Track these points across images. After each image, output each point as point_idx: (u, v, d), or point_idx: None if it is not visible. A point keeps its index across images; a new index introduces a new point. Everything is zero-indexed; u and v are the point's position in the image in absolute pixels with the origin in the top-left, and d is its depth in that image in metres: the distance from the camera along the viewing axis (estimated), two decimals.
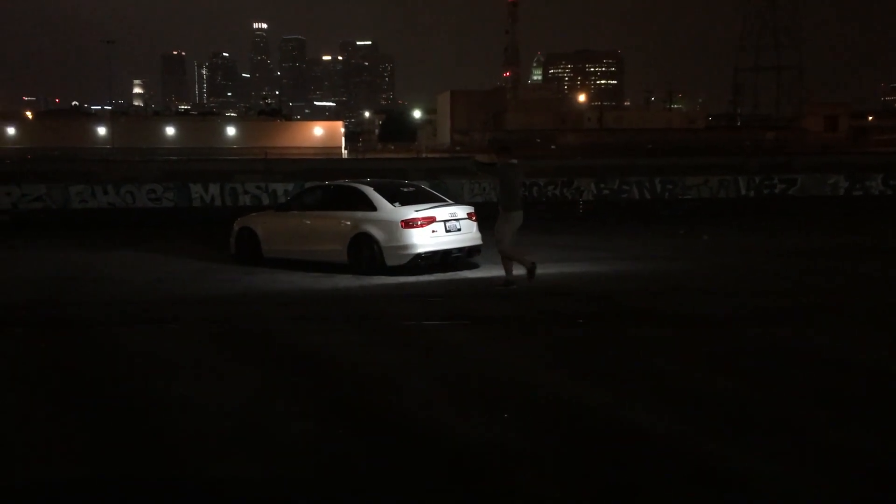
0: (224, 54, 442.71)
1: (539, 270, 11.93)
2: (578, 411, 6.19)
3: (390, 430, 5.82)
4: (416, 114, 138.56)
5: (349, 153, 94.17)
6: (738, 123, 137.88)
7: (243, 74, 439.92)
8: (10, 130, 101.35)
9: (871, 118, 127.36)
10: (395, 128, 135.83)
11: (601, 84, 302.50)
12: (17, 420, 6.22)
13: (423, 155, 77.38)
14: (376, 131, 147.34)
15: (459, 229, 13.17)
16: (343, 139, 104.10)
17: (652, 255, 15.44)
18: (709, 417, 6.02)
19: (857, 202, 26.99)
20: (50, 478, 5.08)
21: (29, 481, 5.04)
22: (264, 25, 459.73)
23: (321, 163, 48.73)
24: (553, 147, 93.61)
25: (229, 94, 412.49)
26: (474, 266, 13.73)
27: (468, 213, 13.46)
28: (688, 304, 10.40)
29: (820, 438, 5.56)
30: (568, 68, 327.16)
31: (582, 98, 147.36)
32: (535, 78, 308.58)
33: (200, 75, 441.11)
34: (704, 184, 29.12)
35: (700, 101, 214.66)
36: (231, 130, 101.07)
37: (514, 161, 11.92)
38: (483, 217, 13.98)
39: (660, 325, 9.20)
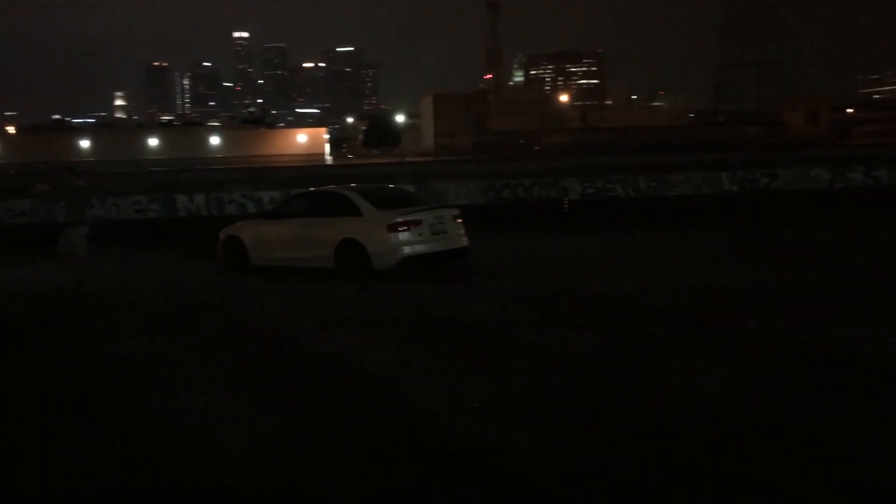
0: (205, 64, 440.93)
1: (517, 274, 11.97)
2: (583, 408, 6.27)
3: (401, 433, 5.87)
4: (400, 118, 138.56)
5: (334, 159, 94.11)
6: (721, 120, 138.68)
7: (225, 84, 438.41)
8: None
9: (851, 111, 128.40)
10: (380, 133, 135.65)
11: (583, 84, 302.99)
12: (31, 432, 6.23)
13: (408, 159, 77.46)
14: (360, 137, 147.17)
15: (446, 232, 13.22)
16: (327, 146, 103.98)
17: (640, 255, 15.56)
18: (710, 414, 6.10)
19: (839, 194, 27.24)
20: (64, 489, 5.09)
21: (43, 493, 5.05)
22: (245, 34, 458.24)
23: (306, 170, 48.70)
24: (537, 148, 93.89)
25: (212, 103, 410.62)
26: (460, 268, 13.78)
27: (454, 216, 13.52)
28: (693, 303, 10.51)
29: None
30: (549, 69, 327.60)
31: (565, 98, 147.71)
32: (516, 79, 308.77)
33: (182, 86, 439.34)
34: (688, 180, 29.34)
35: (682, 98, 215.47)
36: (215, 140, 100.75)
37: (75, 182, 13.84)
38: (468, 219, 14.05)
39: (663, 325, 9.28)
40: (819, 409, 6.04)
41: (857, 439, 5.36)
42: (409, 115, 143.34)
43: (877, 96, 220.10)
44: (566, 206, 27.14)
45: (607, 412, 6.11)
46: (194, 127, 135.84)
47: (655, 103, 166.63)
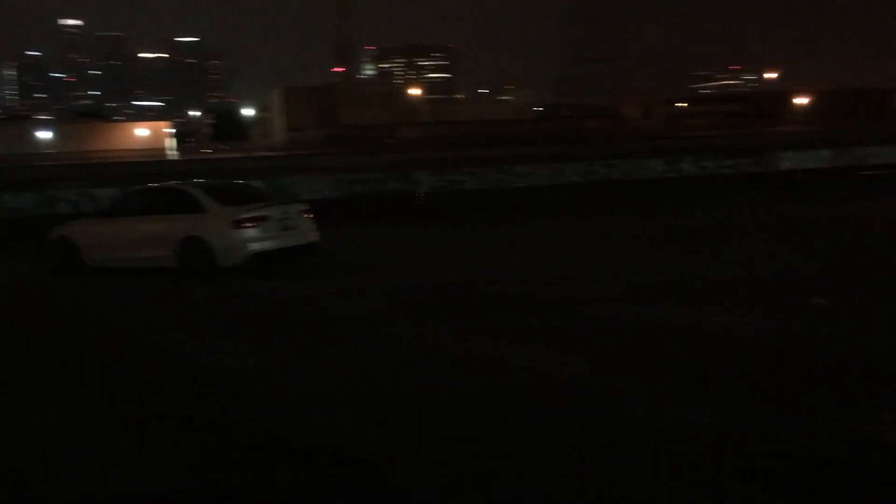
0: (32, 53, 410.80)
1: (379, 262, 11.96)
2: (445, 402, 6.29)
3: (254, 433, 5.70)
4: (249, 112, 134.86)
5: (180, 154, 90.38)
6: (566, 113, 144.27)
7: (56, 74, 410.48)
8: None
9: (683, 105, 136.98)
10: (227, 127, 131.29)
11: (433, 78, 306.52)
12: None
13: (258, 154, 75.56)
14: (206, 131, 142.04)
15: (294, 227, 12.99)
16: (173, 140, 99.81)
17: (491, 245, 15.90)
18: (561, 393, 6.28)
19: (671, 183, 29.00)
20: None
21: None
22: (76, 22, 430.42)
23: (150, 166, 46.50)
24: (389, 141, 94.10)
25: (42, 95, 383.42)
26: (312, 264, 13.57)
27: (302, 211, 13.30)
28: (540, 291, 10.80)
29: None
30: (400, 62, 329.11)
31: (416, 92, 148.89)
32: (367, 72, 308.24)
33: (5, 76, 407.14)
34: (534, 172, 30.34)
35: (528, 92, 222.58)
36: (45, 134, 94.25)
37: None
38: (321, 214, 13.88)
39: (515, 313, 9.47)
40: (657, 385, 6.37)
41: (686, 411, 5.69)
42: (258, 109, 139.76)
43: (706, 91, 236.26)
44: (420, 198, 27.38)
45: (463, 403, 6.17)
46: (21, 120, 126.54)
47: (503, 97, 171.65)
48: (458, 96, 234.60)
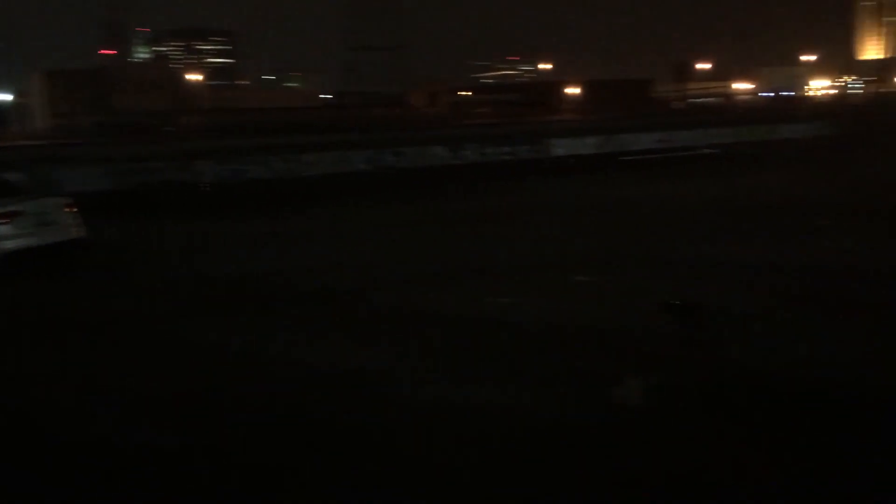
0: None
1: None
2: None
3: (29, 441, 5.39)
4: (5, 97, 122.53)
5: None
6: (355, 101, 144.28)
7: None
8: None
9: (467, 93, 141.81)
10: None
11: (214, 63, 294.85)
12: None
13: (16, 143, 68.92)
14: None
15: (55, 223, 11.93)
16: None
17: (280, 235, 15.54)
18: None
19: (456, 169, 29.86)
20: None
21: None
22: None
23: None
24: (169, 129, 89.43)
25: None
26: (79, 262, 12.51)
27: (64, 205, 12.25)
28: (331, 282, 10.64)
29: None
30: (178, 46, 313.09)
31: (197, 77, 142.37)
32: (140, 55, 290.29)
33: None
34: (322, 160, 30.07)
35: (317, 79, 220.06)
36: None
37: None
38: (92, 208, 12.89)
39: (302, 304, 9.27)
40: (434, 367, 6.49)
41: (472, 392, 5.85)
42: (14, 93, 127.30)
43: (490, 80, 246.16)
44: (203, 189, 26.16)
45: (249, 400, 5.97)
46: None
47: (290, 84, 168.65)
48: (242, 82, 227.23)
